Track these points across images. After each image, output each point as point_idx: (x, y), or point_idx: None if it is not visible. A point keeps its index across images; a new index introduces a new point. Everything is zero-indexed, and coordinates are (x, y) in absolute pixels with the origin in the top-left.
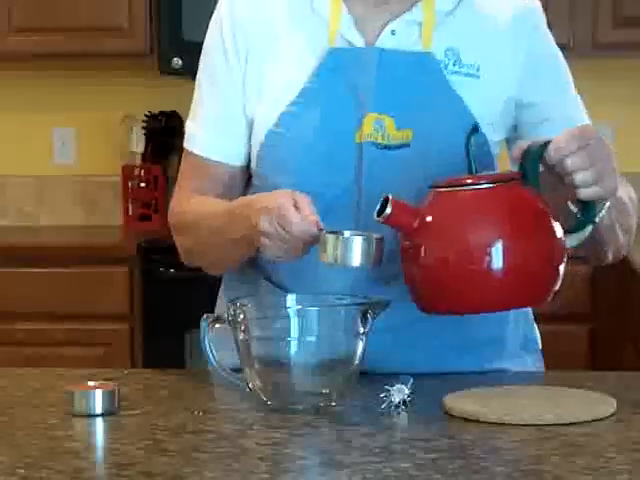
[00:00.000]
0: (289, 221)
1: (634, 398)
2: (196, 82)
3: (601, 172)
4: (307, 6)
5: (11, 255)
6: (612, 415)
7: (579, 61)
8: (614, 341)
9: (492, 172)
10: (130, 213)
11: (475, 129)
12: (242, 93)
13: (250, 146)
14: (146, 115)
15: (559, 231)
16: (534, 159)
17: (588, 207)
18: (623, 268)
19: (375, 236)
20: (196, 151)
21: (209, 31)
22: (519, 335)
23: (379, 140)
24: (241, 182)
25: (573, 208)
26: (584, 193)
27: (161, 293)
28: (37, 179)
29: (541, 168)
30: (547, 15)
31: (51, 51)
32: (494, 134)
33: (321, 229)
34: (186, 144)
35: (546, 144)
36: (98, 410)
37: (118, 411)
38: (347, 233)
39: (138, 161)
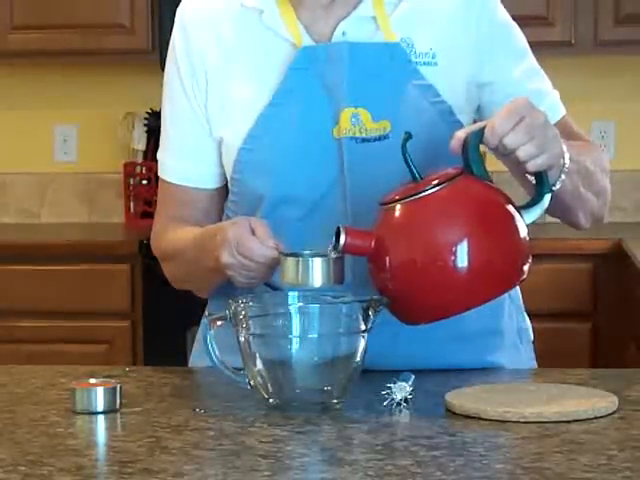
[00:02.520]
0: (249, 248)
1: (636, 395)
2: (162, 116)
3: (542, 141)
4: (256, 21)
5: (12, 252)
6: (614, 412)
7: (581, 58)
8: (616, 339)
9: (435, 172)
10: (132, 211)
11: (409, 136)
12: (205, 117)
13: (222, 165)
14: (148, 112)
15: (515, 214)
16: (473, 147)
17: (541, 178)
18: (625, 265)
19: (334, 255)
20: (168, 179)
21: (166, 68)
22: (514, 326)
23: (357, 134)
24: (219, 202)
25: (532, 180)
26: (531, 166)
27: (162, 290)
28: (38, 176)
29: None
30: (548, 13)
31: (52, 49)
32: (463, 118)
33: (280, 252)
34: (159, 173)
35: (482, 130)
36: (100, 408)
37: (120, 409)
38: (307, 253)
39: (140, 158)
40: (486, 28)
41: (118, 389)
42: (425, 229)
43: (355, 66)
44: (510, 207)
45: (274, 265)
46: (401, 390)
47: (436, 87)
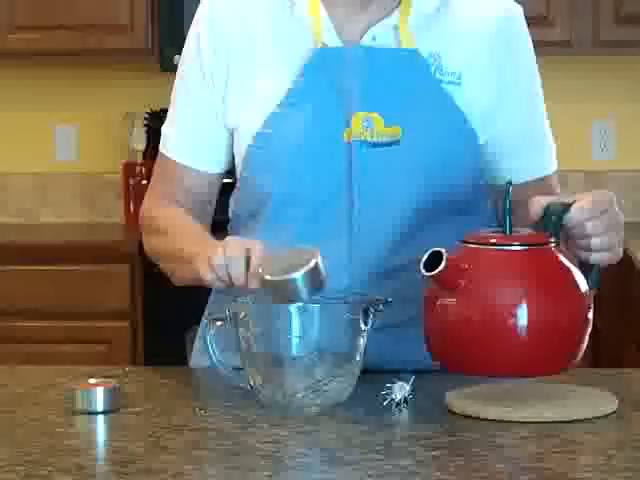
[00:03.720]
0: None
1: (636, 396)
2: (172, 92)
3: (613, 240)
4: (287, 13)
5: (12, 253)
6: (613, 413)
7: (580, 58)
8: (616, 340)
9: (525, 231)
10: (131, 211)
11: (511, 183)
12: (221, 107)
13: (229, 154)
14: (147, 112)
15: (590, 300)
16: (557, 219)
17: (592, 270)
18: (625, 267)
19: (310, 264)
20: (169, 155)
21: (187, 45)
22: None
23: (368, 138)
24: (214, 190)
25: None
26: (595, 257)
27: (162, 291)
28: (38, 177)
29: None
30: (548, 13)
31: (52, 49)
32: (480, 132)
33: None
34: (161, 148)
35: (568, 205)
36: (99, 408)
37: (119, 409)
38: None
39: (139, 159)
40: (511, 65)
41: (117, 389)
42: (520, 285)
43: (370, 70)
44: (586, 290)
45: (233, 279)
46: (401, 390)
47: (454, 99)
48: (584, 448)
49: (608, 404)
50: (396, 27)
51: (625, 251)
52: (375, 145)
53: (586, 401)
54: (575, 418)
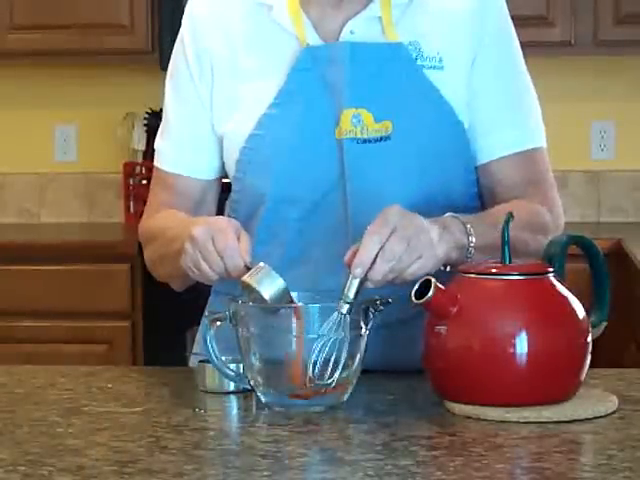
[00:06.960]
0: (225, 239)
1: (636, 395)
2: (164, 102)
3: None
4: (264, 17)
5: (12, 252)
6: (614, 412)
7: (580, 58)
8: (616, 339)
9: (524, 262)
10: (131, 210)
11: (511, 216)
12: (210, 112)
13: (221, 159)
14: (147, 112)
15: (588, 327)
16: (562, 250)
17: (602, 303)
18: (625, 265)
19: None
20: (164, 168)
21: (174, 53)
22: None
23: (358, 135)
24: (212, 195)
25: None
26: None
27: (162, 290)
28: (38, 176)
29: None
30: (548, 13)
31: (52, 48)
32: (464, 119)
33: (248, 267)
34: (155, 162)
35: (570, 237)
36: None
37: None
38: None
39: (139, 158)
40: (488, 40)
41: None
42: (514, 313)
43: (356, 66)
44: (585, 319)
45: (224, 277)
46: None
47: (440, 90)
48: (584, 448)
49: (608, 404)
50: (379, 18)
51: (625, 251)
52: (366, 141)
53: (586, 401)
54: (575, 418)
